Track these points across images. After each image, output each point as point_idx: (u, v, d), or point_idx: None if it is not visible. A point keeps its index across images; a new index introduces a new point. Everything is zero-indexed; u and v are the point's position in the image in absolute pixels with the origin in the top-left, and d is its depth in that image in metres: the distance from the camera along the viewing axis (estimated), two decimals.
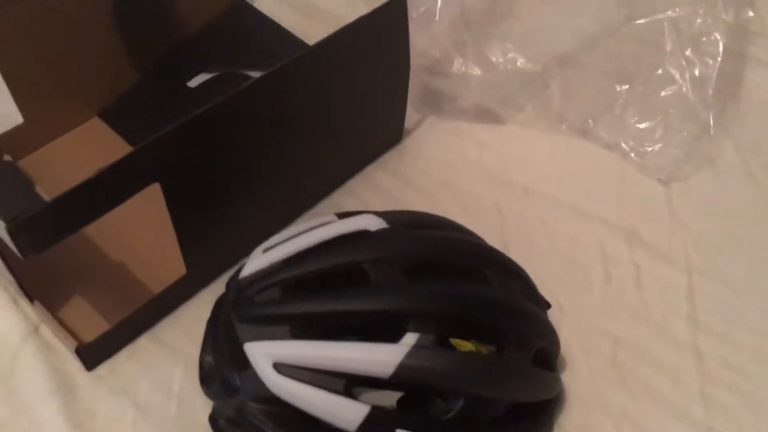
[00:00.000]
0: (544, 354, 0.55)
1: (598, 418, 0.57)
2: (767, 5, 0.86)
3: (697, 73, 0.74)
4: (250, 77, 0.81)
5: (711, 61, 0.76)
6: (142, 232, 0.66)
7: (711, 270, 0.66)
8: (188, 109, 0.83)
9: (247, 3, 0.89)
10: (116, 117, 0.78)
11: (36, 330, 0.63)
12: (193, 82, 0.81)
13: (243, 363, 0.49)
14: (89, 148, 0.76)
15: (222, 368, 0.51)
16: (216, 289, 0.65)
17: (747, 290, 0.65)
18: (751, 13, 0.81)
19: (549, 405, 0.56)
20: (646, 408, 0.58)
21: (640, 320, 0.63)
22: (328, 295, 0.49)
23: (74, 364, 0.61)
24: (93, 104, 0.78)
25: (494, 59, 0.79)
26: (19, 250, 0.48)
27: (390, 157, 0.76)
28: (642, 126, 0.74)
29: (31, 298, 0.61)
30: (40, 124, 0.74)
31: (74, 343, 0.59)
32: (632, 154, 0.74)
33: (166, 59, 0.81)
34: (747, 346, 0.61)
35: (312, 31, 0.83)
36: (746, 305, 0.64)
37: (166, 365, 0.61)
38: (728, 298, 0.64)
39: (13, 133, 0.73)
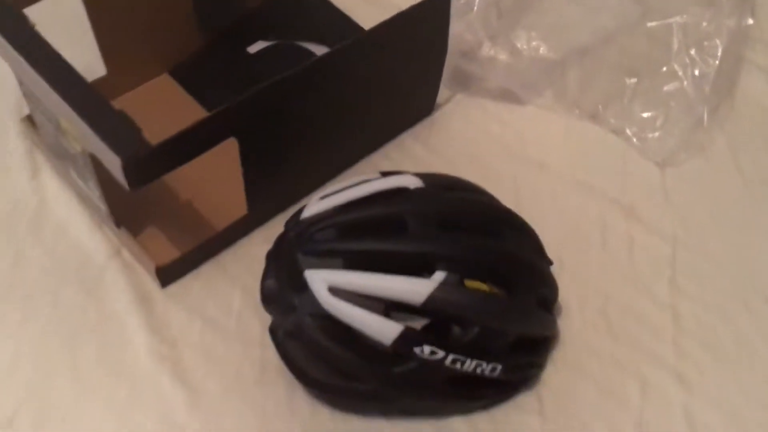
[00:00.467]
0: (545, 299, 0.66)
1: (585, 357, 0.69)
2: (766, 14, 0.95)
3: (698, 72, 0.84)
4: (303, 48, 0.92)
5: (711, 62, 0.86)
6: (209, 177, 0.77)
7: (693, 243, 0.77)
8: (247, 71, 0.94)
9: None
10: (184, 74, 0.89)
11: (119, 252, 0.74)
12: (253, 48, 0.91)
13: (302, 286, 0.60)
14: (159, 101, 0.86)
15: (283, 290, 0.62)
16: (270, 228, 0.76)
17: (722, 262, 0.75)
18: (751, 21, 0.91)
19: (547, 341, 0.67)
20: (627, 352, 0.69)
21: (628, 281, 0.74)
22: (374, 237, 0.61)
23: (150, 282, 0.73)
24: (165, 62, 0.88)
25: (520, 47, 0.88)
26: (128, 183, 0.59)
27: (421, 128, 0.87)
28: (645, 115, 0.85)
29: (117, 224, 0.73)
30: (118, 77, 0.84)
31: (153, 264, 0.71)
32: (635, 140, 0.84)
33: (230, 27, 0.91)
34: (717, 307, 0.72)
35: (359, 11, 0.94)
36: (720, 274, 0.74)
37: (226, 289, 0.73)
38: (705, 267, 0.75)
39: (95, 83, 0.83)
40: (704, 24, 0.89)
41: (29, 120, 0.80)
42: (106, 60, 0.82)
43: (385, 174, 0.67)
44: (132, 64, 0.85)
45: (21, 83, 0.69)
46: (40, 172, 0.80)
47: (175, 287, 0.73)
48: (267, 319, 0.66)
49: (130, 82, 0.86)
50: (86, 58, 0.80)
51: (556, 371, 0.68)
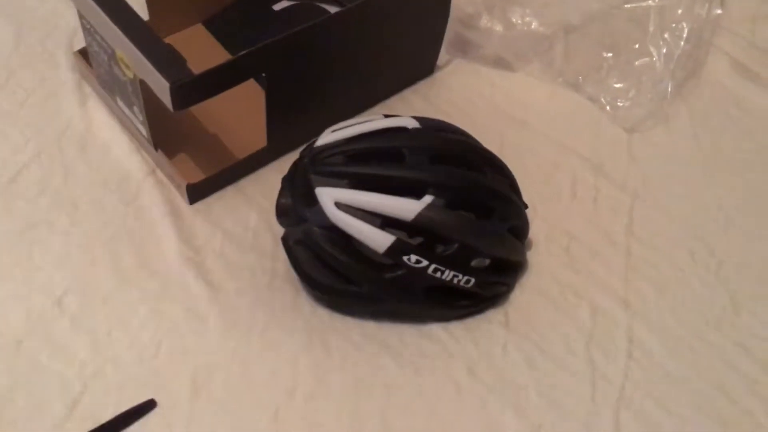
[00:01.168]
0: (517, 229, 0.78)
1: (547, 284, 0.80)
2: (736, 4, 1.07)
3: (665, 51, 0.96)
4: (321, 8, 1.04)
5: (681, 44, 0.98)
6: (234, 114, 0.88)
7: (650, 198, 0.88)
8: (271, 26, 1.05)
9: None
10: (216, 26, 1.00)
11: (153, 171, 0.86)
12: (277, 6, 1.03)
13: (313, 201, 0.71)
14: (193, 47, 0.97)
15: (296, 205, 0.73)
16: (285, 160, 0.87)
17: (674, 215, 0.87)
18: (719, 11, 1.02)
19: (516, 266, 0.79)
20: (583, 282, 0.81)
21: (591, 226, 0.86)
22: (376, 164, 0.72)
23: (179, 199, 0.84)
24: (199, 13, 1.00)
25: (514, 20, 1.00)
26: (173, 105, 0.71)
27: (422, 85, 0.98)
28: (618, 86, 0.96)
29: (156, 146, 0.84)
30: (158, 23, 0.95)
31: (184, 183, 0.82)
32: (608, 107, 0.96)
33: None
34: (664, 251, 0.84)
35: None
36: (670, 225, 0.86)
37: (244, 208, 0.84)
38: (658, 218, 0.87)
39: None
40: (679, 10, 1.00)
41: (80, 54, 0.92)
42: (150, 7, 0.93)
43: (387, 116, 0.78)
44: (171, 13, 0.96)
45: (82, 17, 0.80)
46: (88, 101, 0.91)
47: (201, 204, 0.84)
48: (277, 237, 0.78)
49: (168, 28, 0.97)
50: (131, 2, 0.91)
51: (522, 293, 0.80)
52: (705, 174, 0.92)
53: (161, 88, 0.70)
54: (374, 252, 0.71)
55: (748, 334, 0.78)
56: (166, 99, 0.71)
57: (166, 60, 0.71)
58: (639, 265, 0.83)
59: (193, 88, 0.72)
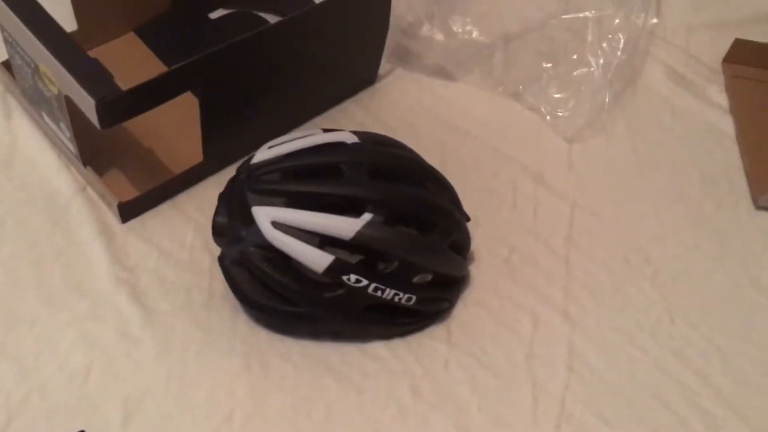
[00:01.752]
0: (458, 244, 0.77)
1: (489, 297, 0.80)
2: (670, 14, 1.09)
3: (603, 61, 0.97)
4: (259, 17, 1.02)
5: (619, 53, 0.99)
6: (169, 128, 0.86)
7: (588, 207, 0.89)
8: (207, 35, 1.03)
9: None
10: (148, 35, 0.97)
11: (83, 189, 0.83)
12: (214, 15, 1.00)
13: (249, 221, 0.70)
14: (125, 57, 0.94)
15: (232, 224, 0.72)
16: (221, 176, 0.85)
17: (611, 224, 0.88)
18: (655, 20, 1.04)
19: (458, 281, 0.79)
20: (524, 294, 0.81)
21: (531, 236, 0.86)
22: (313, 181, 0.71)
23: (111, 217, 0.81)
24: (131, 21, 0.96)
25: (455, 29, 0.99)
26: (100, 122, 0.68)
27: (363, 95, 0.97)
28: (558, 96, 0.97)
29: (85, 163, 0.81)
30: (87, 33, 0.92)
31: (116, 201, 0.79)
32: (548, 117, 0.97)
33: None
34: (602, 260, 0.85)
35: None
36: (608, 234, 0.87)
37: (180, 226, 0.82)
38: (596, 227, 0.88)
39: None
40: (616, 20, 1.02)
41: (3, 66, 0.88)
42: (78, 16, 0.90)
43: (326, 130, 0.77)
44: (101, 22, 0.93)
45: (3, 30, 0.76)
46: (13, 115, 0.88)
47: (134, 222, 0.82)
48: (215, 254, 0.76)
49: (99, 38, 0.94)
50: (58, 13, 0.87)
51: (464, 307, 0.79)
52: (641, 182, 0.93)
53: (87, 105, 0.68)
54: (313, 272, 0.69)
55: (683, 343, 0.79)
56: (92, 116, 0.68)
57: (92, 75, 0.68)
58: (578, 274, 0.83)
59: (122, 105, 0.69)
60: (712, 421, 0.74)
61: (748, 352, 0.79)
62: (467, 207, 0.80)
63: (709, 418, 0.74)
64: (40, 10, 0.71)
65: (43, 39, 0.69)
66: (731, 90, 1.02)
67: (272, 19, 0.99)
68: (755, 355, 0.79)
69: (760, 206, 0.91)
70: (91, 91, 0.66)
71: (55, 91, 0.73)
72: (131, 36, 0.97)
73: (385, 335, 0.76)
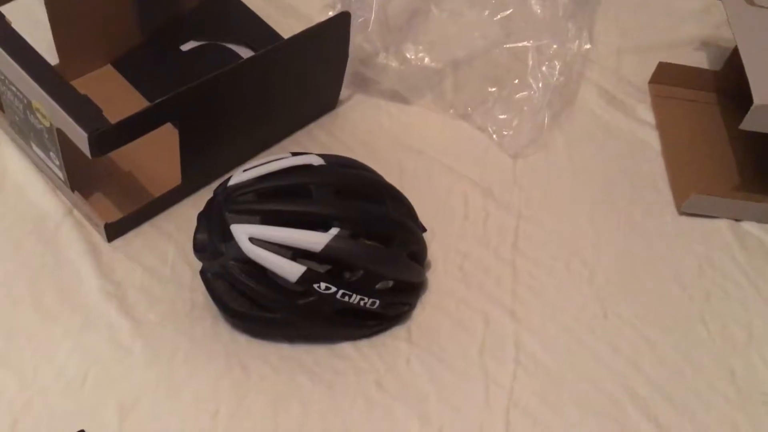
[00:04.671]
0: (415, 254, 0.86)
1: (445, 300, 0.89)
2: (601, 41, 1.20)
3: (541, 84, 1.07)
4: (228, 49, 1.10)
5: (556, 77, 1.10)
6: (148, 153, 0.92)
7: (532, 218, 0.99)
8: (179, 66, 1.11)
9: None
10: (124, 66, 1.04)
11: (71, 212, 0.90)
12: (185, 47, 1.08)
13: (228, 237, 0.77)
14: (103, 88, 1.01)
15: (212, 241, 0.79)
16: (199, 197, 0.93)
17: (553, 232, 0.98)
18: (588, 46, 1.16)
19: (416, 287, 0.88)
20: (476, 296, 0.90)
21: (482, 244, 0.96)
22: (285, 200, 0.79)
23: (98, 237, 0.88)
24: (108, 54, 1.03)
25: (408, 57, 1.08)
26: (91, 153, 0.76)
27: (326, 120, 1.06)
28: (503, 117, 1.07)
29: (72, 188, 0.88)
30: (68, 65, 0.99)
31: (102, 222, 0.86)
32: (494, 136, 1.06)
33: (167, 26, 1.07)
34: (545, 264, 0.95)
35: (277, 20, 1.12)
36: (550, 240, 0.97)
37: (162, 243, 0.89)
38: (540, 235, 0.98)
39: None
40: (554, 46, 1.12)
41: None
42: (59, 50, 0.96)
43: (294, 154, 0.85)
44: (81, 55, 1.00)
45: None
46: (0, 144, 0.94)
47: (119, 242, 0.89)
48: (195, 269, 0.84)
49: (79, 70, 1.01)
50: (40, 47, 0.93)
51: (423, 310, 0.88)
52: (578, 193, 1.03)
53: (79, 137, 0.75)
54: (287, 281, 0.78)
55: (615, 334, 0.89)
56: (84, 148, 0.75)
57: (84, 110, 0.75)
58: (524, 278, 0.93)
59: (111, 136, 0.76)
60: (641, 402, 0.84)
61: (671, 339, 0.90)
62: (423, 219, 0.90)
63: (639, 399, 0.84)
64: (31, 49, 0.78)
65: (36, 77, 0.76)
66: (657, 108, 1.14)
67: (240, 50, 1.08)
68: (678, 342, 0.90)
69: (682, 212, 1.02)
70: (84, 126, 0.74)
71: (47, 124, 0.80)
72: (108, 68, 1.04)
73: (353, 336, 0.85)
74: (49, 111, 0.77)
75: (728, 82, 1.15)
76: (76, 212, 0.90)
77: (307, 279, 0.77)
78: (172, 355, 0.81)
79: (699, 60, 1.20)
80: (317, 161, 0.83)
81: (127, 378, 0.78)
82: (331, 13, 1.04)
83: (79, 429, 0.73)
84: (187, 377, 0.79)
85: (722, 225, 1.02)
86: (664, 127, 1.11)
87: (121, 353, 0.80)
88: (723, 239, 1.00)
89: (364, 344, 0.84)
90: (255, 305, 0.80)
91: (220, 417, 0.77)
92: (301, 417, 0.78)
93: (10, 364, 0.77)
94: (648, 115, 1.13)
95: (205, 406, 0.77)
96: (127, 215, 0.88)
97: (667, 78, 1.16)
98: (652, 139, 1.10)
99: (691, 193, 1.00)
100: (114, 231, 0.88)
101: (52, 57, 0.96)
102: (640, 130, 1.11)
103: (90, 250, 0.87)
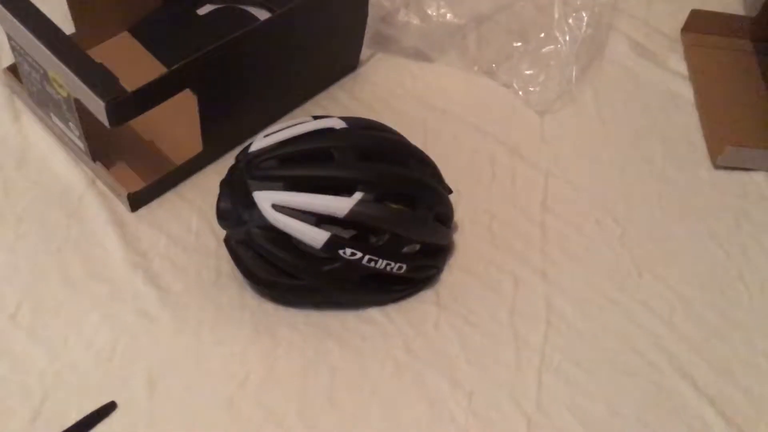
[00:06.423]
0: (442, 216, 0.85)
1: (473, 262, 0.88)
2: None
3: (569, 37, 1.03)
4: (245, 11, 1.07)
5: (584, 28, 1.06)
6: (169, 122, 0.91)
7: (561, 175, 0.97)
8: (196, 30, 1.08)
9: None
10: (141, 33, 1.02)
11: (93, 182, 0.89)
12: (202, 11, 1.05)
13: (251, 204, 0.76)
14: (121, 55, 1.00)
15: (235, 209, 0.78)
16: (220, 164, 0.92)
17: (582, 189, 0.96)
18: None
19: (444, 249, 0.86)
20: (505, 257, 0.89)
21: (510, 204, 0.94)
22: (307, 165, 0.78)
23: (121, 208, 0.88)
24: (124, 21, 1.02)
25: (430, 13, 1.05)
26: (109, 122, 0.74)
27: (347, 81, 1.04)
28: (529, 72, 1.04)
29: (94, 159, 0.87)
30: (85, 34, 0.97)
31: (125, 192, 0.86)
32: (520, 92, 1.03)
33: None
34: (574, 223, 0.92)
35: None
36: (580, 198, 0.95)
37: (185, 212, 0.89)
38: (569, 193, 0.95)
39: None
40: None
41: (9, 71, 0.93)
42: (75, 19, 0.95)
43: (316, 117, 0.84)
44: (98, 23, 0.98)
45: (10, 38, 0.82)
46: (21, 116, 0.93)
47: (142, 211, 0.88)
48: (219, 237, 0.83)
49: (95, 38, 1.00)
50: (56, 17, 0.92)
51: (450, 273, 0.87)
52: (608, 148, 1.00)
53: (97, 107, 0.74)
54: (311, 248, 0.76)
55: (649, 293, 0.87)
56: (102, 117, 0.74)
57: (100, 80, 0.74)
58: (553, 237, 0.91)
59: (128, 105, 0.75)
60: (677, 363, 0.82)
61: (708, 298, 0.87)
62: (449, 180, 0.87)
63: (675, 360, 0.82)
64: (46, 19, 0.77)
65: (52, 48, 0.75)
66: (690, 58, 1.09)
67: (258, 12, 1.05)
68: (715, 300, 0.87)
69: (718, 165, 0.99)
70: (100, 95, 0.72)
71: (65, 95, 0.79)
72: (125, 35, 1.02)
73: (380, 302, 0.84)
74: (66, 81, 0.76)
75: (765, 29, 1.10)
76: (98, 183, 0.89)
77: (332, 245, 0.76)
78: (199, 323, 0.80)
79: (734, 6, 1.15)
80: (339, 124, 0.81)
81: (155, 348, 0.78)
82: None
83: (109, 400, 0.74)
84: (215, 345, 0.79)
85: (759, 178, 0.98)
86: (697, 77, 1.07)
87: (148, 323, 0.80)
88: (761, 192, 0.97)
89: (392, 309, 0.83)
90: (280, 272, 0.79)
91: (249, 384, 0.77)
92: (330, 382, 0.78)
93: (39, 336, 0.78)
94: (680, 65, 1.09)
95: (233, 373, 0.77)
96: (150, 184, 0.88)
97: (700, 26, 1.11)
98: (685, 90, 1.07)
99: (727, 146, 0.96)
100: (137, 201, 0.87)
101: (68, 26, 0.95)
102: (673, 82, 1.07)
103: (114, 220, 0.86)
